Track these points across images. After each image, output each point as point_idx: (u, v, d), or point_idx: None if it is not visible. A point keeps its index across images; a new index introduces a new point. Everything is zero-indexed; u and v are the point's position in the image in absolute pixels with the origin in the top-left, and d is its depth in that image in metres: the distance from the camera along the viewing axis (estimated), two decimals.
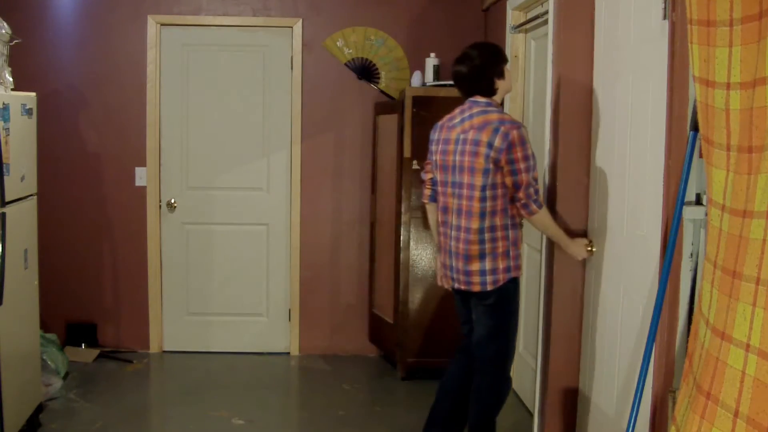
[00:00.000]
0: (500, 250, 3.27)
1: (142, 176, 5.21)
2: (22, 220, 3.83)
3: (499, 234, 3.26)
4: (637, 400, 2.67)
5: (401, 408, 4.40)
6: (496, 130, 3.19)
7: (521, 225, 3.41)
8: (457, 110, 3.41)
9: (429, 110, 4.61)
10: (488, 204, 3.24)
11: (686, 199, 2.53)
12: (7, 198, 3.59)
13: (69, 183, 5.21)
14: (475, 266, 3.28)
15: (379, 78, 5.21)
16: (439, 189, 3.44)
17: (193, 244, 5.31)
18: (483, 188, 3.23)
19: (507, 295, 3.33)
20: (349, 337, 5.36)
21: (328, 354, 5.35)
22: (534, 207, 3.20)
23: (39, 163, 4.12)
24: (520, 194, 3.20)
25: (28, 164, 3.92)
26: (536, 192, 3.22)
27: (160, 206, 5.26)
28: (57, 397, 4.39)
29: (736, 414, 1.78)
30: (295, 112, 5.23)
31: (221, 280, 5.35)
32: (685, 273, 2.58)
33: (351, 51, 5.20)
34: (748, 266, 1.78)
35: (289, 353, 5.36)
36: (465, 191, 3.29)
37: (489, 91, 3.37)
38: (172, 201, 5.26)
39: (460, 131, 3.31)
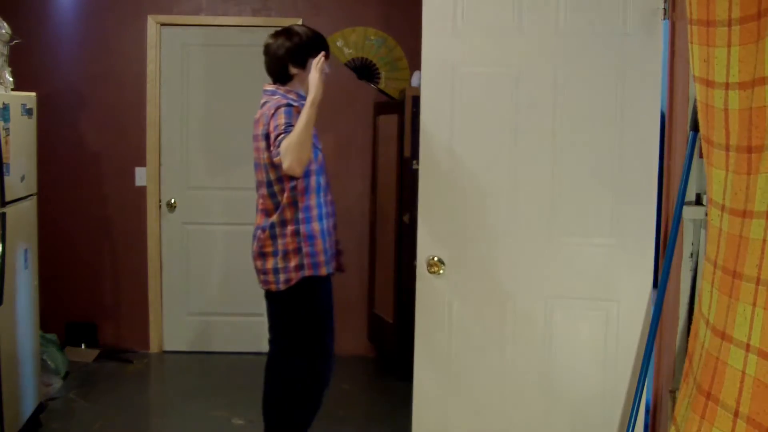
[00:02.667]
0: (291, 246, 3.06)
1: (142, 176, 5.21)
2: (22, 220, 3.83)
3: (288, 229, 3.06)
4: (637, 400, 2.67)
5: (401, 408, 4.40)
6: (263, 118, 3.05)
7: (321, 218, 3.13)
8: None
9: None
10: (276, 199, 3.07)
11: (686, 199, 2.53)
12: (7, 198, 3.59)
13: (69, 183, 5.21)
14: (270, 264, 3.11)
15: (379, 78, 5.21)
16: (257, 189, 3.23)
17: (193, 244, 5.31)
18: (270, 184, 3.07)
19: (304, 297, 3.11)
20: (349, 337, 5.35)
21: None
22: (280, 149, 2.87)
23: (39, 163, 4.12)
24: (272, 147, 2.95)
25: (28, 164, 3.92)
26: (282, 139, 2.89)
27: (160, 206, 5.26)
28: (57, 397, 4.39)
29: (736, 414, 1.78)
30: None
31: (221, 280, 5.34)
32: (685, 273, 2.58)
33: (351, 51, 5.20)
34: (749, 266, 1.78)
35: None
36: (259, 189, 3.15)
37: (281, 77, 3.14)
38: (172, 201, 5.26)
39: (254, 127, 3.18)
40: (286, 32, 3.17)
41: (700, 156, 2.33)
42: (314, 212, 3.08)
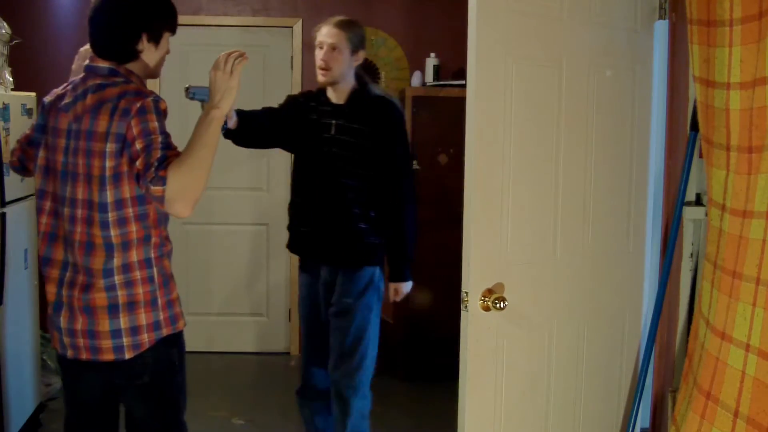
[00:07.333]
0: (141, 297, 2.21)
1: None
2: (22, 220, 3.83)
3: (137, 275, 2.21)
4: (637, 400, 2.67)
5: (401, 408, 4.40)
6: (113, 110, 2.15)
7: (170, 255, 2.40)
8: (69, 83, 2.29)
9: (429, 110, 4.61)
10: (117, 231, 2.18)
11: (686, 199, 2.53)
12: (7, 198, 3.59)
13: None
14: (104, 324, 2.19)
15: (379, 78, 5.21)
16: (44, 206, 2.27)
17: (193, 244, 5.30)
18: (104, 207, 2.16)
19: (165, 364, 2.29)
20: None
21: None
22: (162, 173, 2.14)
23: None
24: (138, 165, 2.14)
25: None
26: (161, 159, 2.17)
27: None
28: (57, 397, 4.39)
29: (736, 414, 1.78)
30: None
31: (221, 280, 5.34)
32: (685, 273, 2.58)
33: None
34: (748, 266, 1.78)
35: (289, 353, 5.35)
36: (80, 211, 2.18)
37: (121, 54, 2.24)
38: None
39: (72, 118, 2.21)
40: None
41: (700, 156, 2.33)
42: (167, 248, 2.33)
